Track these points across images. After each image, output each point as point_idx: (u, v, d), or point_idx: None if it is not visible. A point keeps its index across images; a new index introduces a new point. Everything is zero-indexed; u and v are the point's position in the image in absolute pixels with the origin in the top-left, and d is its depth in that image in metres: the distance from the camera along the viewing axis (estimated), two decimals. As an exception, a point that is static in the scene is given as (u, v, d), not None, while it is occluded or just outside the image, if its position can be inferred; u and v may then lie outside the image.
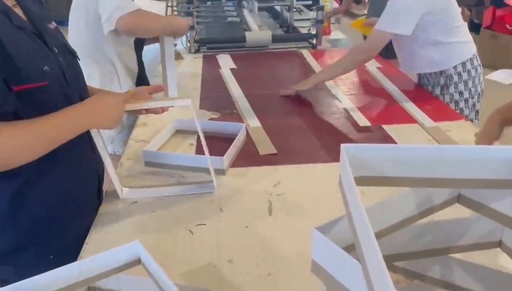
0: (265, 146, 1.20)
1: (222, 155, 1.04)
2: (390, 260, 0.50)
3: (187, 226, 0.87)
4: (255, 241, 0.83)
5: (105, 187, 1.00)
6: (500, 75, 3.73)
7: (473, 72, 1.49)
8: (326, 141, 1.23)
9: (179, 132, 1.27)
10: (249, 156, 1.14)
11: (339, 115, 1.40)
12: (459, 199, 0.51)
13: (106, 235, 0.84)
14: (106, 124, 0.82)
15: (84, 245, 0.81)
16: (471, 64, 1.49)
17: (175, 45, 1.87)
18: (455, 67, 1.48)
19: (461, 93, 1.50)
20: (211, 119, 1.36)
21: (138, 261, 0.69)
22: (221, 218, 0.90)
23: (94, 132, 0.87)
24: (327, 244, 0.39)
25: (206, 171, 1.03)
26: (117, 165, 1.08)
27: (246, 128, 1.26)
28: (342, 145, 0.45)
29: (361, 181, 0.46)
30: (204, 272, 0.75)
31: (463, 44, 1.49)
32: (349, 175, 0.41)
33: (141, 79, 1.73)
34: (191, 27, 2.18)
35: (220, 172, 1.05)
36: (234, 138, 1.13)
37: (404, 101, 1.46)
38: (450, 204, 0.51)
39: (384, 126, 1.29)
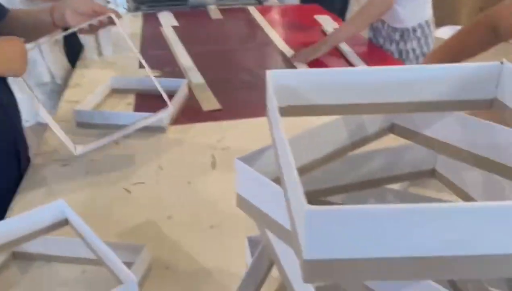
0: (209, 102, 1.15)
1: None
2: (325, 193, 0.48)
3: (124, 185, 0.82)
4: (197, 196, 0.80)
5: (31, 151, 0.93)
6: (446, 32, 3.82)
7: (426, 30, 1.49)
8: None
9: (115, 91, 1.19)
10: (192, 113, 1.09)
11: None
12: (393, 128, 0.50)
13: (34, 199, 0.78)
14: (11, 73, 0.76)
15: (8, 211, 0.74)
16: (426, 23, 1.48)
17: (108, 2, 1.74)
18: (412, 26, 1.47)
19: (413, 50, 1.49)
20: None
21: (65, 221, 0.64)
22: (161, 175, 0.86)
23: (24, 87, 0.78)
24: (252, 174, 0.36)
25: (145, 129, 0.97)
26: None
27: (188, 84, 1.20)
28: (267, 71, 0.41)
29: (290, 110, 0.43)
30: (141, 229, 0.71)
31: (426, 3, 1.48)
32: (273, 104, 0.38)
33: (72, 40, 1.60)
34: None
35: (160, 129, 1.00)
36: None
37: (356, 61, 1.43)
38: (384, 134, 0.50)
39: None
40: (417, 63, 1.50)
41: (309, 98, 0.42)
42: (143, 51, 1.52)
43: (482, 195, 0.45)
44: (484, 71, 0.41)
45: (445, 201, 0.51)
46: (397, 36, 1.48)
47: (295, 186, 0.25)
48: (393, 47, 1.50)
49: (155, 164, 0.89)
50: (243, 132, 1.01)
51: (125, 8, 2.03)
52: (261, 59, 1.44)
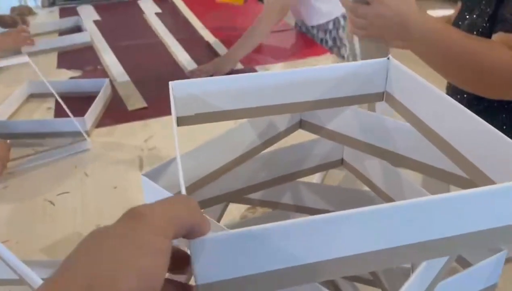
0: (134, 100, 1.12)
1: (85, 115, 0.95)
2: (243, 192, 0.50)
3: (47, 197, 0.79)
4: (125, 200, 0.78)
5: None
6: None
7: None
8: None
9: (33, 96, 1.13)
10: (116, 113, 1.06)
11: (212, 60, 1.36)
12: (301, 124, 0.52)
13: None
14: None
15: None
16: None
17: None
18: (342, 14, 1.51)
19: (343, 38, 1.54)
20: (72, 78, 1.24)
21: (-20, 245, 0.61)
22: (87, 182, 0.83)
23: None
24: (156, 190, 0.36)
25: (67, 135, 0.94)
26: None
27: (111, 83, 1.16)
28: (170, 83, 0.41)
29: (200, 118, 0.44)
30: (68, 242, 0.69)
31: None
32: (173, 115, 0.39)
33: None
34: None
35: (83, 134, 0.96)
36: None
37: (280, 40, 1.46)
38: (293, 130, 0.52)
39: (258, 67, 1.30)
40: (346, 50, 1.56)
41: (217, 105, 0.43)
42: (61, 49, 1.45)
43: (383, 181, 0.48)
44: (373, 67, 0.44)
45: (352, 190, 0.54)
46: (329, 25, 1.52)
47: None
48: (327, 36, 1.54)
49: (79, 171, 0.86)
50: (170, 130, 1.00)
51: (38, 4, 1.91)
52: (189, 52, 1.42)
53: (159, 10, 1.82)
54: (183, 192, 0.27)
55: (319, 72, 0.44)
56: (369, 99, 0.46)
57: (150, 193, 0.37)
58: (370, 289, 0.52)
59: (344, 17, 1.52)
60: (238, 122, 0.47)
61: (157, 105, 1.10)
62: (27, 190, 0.81)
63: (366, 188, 0.52)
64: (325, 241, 0.24)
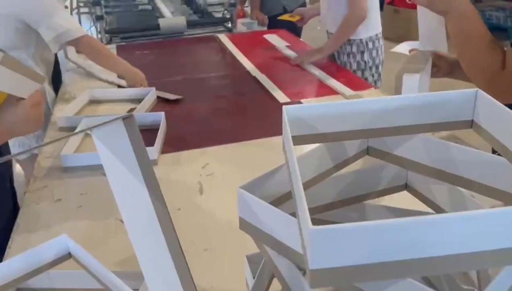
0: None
1: (149, 145, 1.03)
2: (312, 212, 0.54)
3: (117, 216, 0.85)
4: (188, 221, 0.84)
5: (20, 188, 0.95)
6: (403, 47, 4.02)
7: (376, 43, 1.64)
8: (250, 121, 1.26)
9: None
10: (173, 143, 1.14)
11: (259, 94, 1.44)
12: (368, 150, 0.56)
13: (31, 236, 0.80)
14: (28, 131, 0.75)
15: (7, 250, 0.77)
16: (376, 36, 1.63)
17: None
18: (365, 38, 1.61)
19: (367, 61, 1.63)
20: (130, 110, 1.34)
21: (68, 256, 0.67)
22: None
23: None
24: (253, 200, 0.41)
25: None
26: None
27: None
28: (283, 107, 0.47)
29: (302, 139, 0.48)
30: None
31: (376, 18, 1.63)
32: (287, 134, 0.43)
33: (56, 73, 1.63)
34: (100, 17, 2.09)
35: (151, 163, 1.03)
36: (156, 129, 1.12)
37: (319, 74, 1.53)
38: (361, 155, 0.56)
39: (304, 101, 1.36)
40: (371, 73, 1.64)
41: (318, 127, 0.48)
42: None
43: (448, 204, 0.52)
44: (461, 98, 0.48)
45: (415, 212, 0.57)
46: (353, 48, 1.62)
47: (303, 210, 0.31)
48: (350, 59, 1.63)
49: (145, 193, 0.93)
50: (224, 157, 1.06)
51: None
52: (235, 86, 1.51)
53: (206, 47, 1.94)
54: (303, 200, 0.32)
55: (413, 99, 0.48)
56: (454, 127, 0.49)
57: (245, 202, 0.42)
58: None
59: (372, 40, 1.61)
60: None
61: (211, 135, 1.18)
62: (98, 208, 0.88)
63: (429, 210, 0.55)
64: (429, 238, 0.28)
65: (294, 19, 1.89)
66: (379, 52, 1.66)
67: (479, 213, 0.28)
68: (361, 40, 1.61)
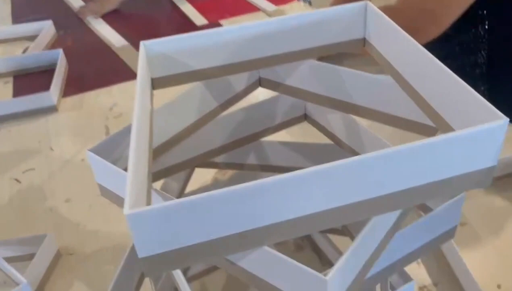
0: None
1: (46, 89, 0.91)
2: (206, 157, 0.49)
3: (12, 176, 0.77)
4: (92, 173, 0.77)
5: None
6: None
7: None
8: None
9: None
10: (76, 84, 1.02)
11: (173, 15, 1.30)
12: (260, 82, 0.50)
13: None
14: None
15: None
16: None
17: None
18: None
19: None
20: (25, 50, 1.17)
21: None
22: (53, 157, 0.81)
23: None
24: (104, 164, 0.35)
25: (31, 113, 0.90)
26: None
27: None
28: (141, 42, 0.39)
29: (171, 80, 0.41)
30: (38, 220, 0.68)
31: None
32: (143, 76, 0.36)
33: None
34: None
35: (50, 109, 0.92)
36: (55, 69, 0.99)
37: None
38: (252, 89, 0.50)
39: (223, 21, 1.24)
40: None
41: (191, 64, 0.41)
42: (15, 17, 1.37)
43: (344, 135, 0.48)
44: (351, 13, 0.41)
45: (314, 144, 0.53)
46: None
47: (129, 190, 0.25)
48: None
49: (44, 146, 0.83)
50: (134, 95, 0.97)
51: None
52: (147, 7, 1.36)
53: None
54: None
55: (285, 22, 0.41)
56: (346, 48, 0.43)
57: (98, 167, 0.36)
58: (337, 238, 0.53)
59: None
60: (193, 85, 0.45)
61: (118, 70, 1.06)
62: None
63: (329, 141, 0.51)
64: (274, 204, 0.23)
65: None
66: None
67: (328, 166, 0.23)
68: None
